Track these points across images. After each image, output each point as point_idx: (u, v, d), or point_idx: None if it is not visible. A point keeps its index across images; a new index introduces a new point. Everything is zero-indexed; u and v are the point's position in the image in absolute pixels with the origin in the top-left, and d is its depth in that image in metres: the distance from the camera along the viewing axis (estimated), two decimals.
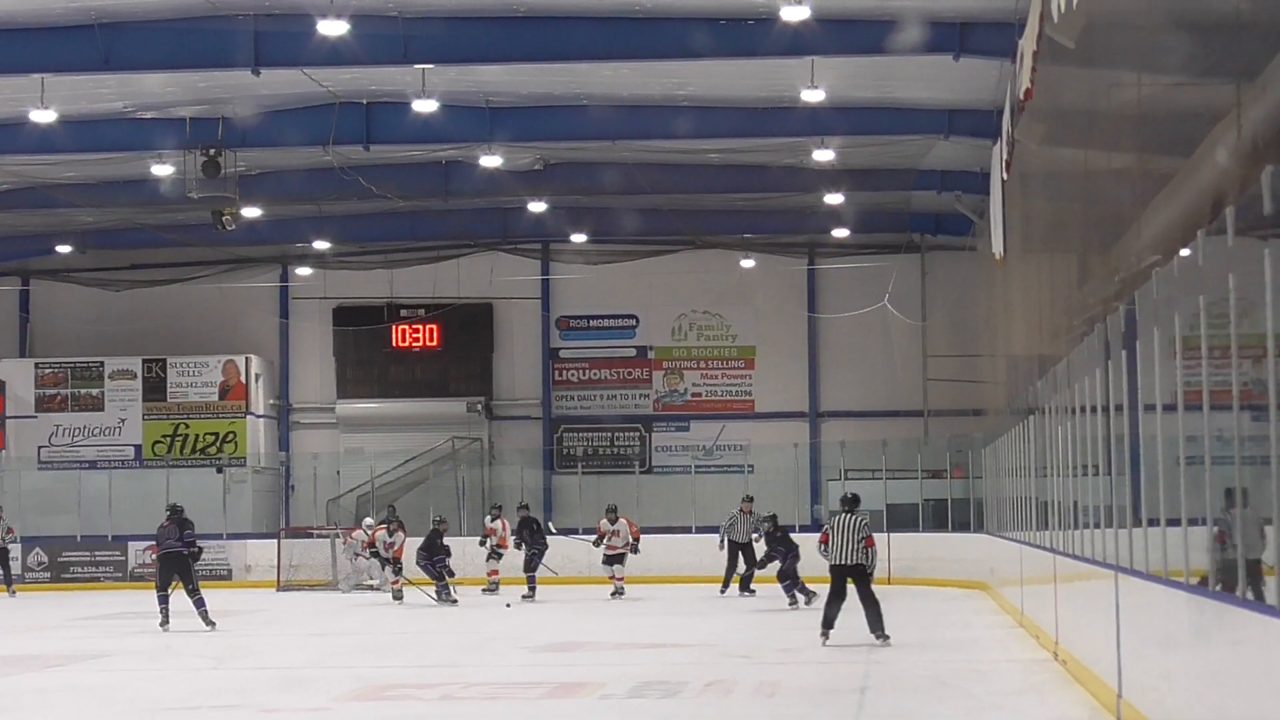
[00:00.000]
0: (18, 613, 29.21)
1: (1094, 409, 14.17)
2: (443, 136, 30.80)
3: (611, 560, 31.01)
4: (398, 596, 30.23)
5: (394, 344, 43.30)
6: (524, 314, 43.26)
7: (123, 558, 37.17)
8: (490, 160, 31.94)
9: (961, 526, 34.84)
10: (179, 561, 24.75)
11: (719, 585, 31.10)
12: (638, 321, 43.18)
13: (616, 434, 43.18)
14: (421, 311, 43.23)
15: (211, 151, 30.04)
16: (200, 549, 25.39)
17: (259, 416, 42.58)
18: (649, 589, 33.42)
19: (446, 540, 30.39)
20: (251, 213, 34.94)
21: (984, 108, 27.57)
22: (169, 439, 41.95)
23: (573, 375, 43.35)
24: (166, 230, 38.85)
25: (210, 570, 36.09)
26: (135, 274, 43.08)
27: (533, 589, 30.75)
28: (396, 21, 24.84)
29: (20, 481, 40.70)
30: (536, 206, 37.35)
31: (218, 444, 41.81)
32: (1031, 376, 21.45)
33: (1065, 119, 17.62)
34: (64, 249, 41.05)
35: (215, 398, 41.99)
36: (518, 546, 31.41)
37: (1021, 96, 20.48)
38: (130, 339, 42.62)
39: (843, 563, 19.84)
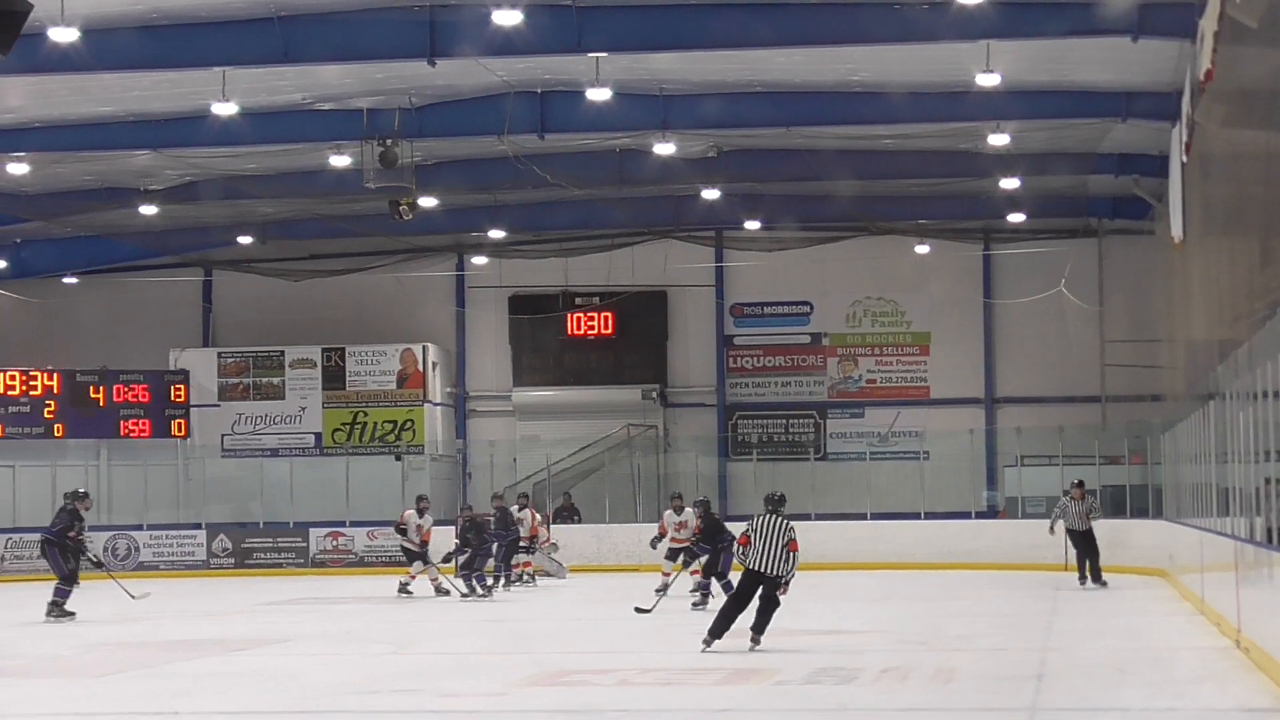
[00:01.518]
0: (203, 597, 29.72)
1: (1277, 394, 13.95)
2: (616, 125, 30.87)
3: (676, 554, 27.18)
4: (404, 590, 29.23)
5: (569, 332, 43.51)
6: (698, 301, 43.30)
7: (304, 544, 37.69)
8: (664, 148, 31.97)
9: (1140, 513, 34.46)
10: (45, 548, 25.87)
11: (894, 572, 30.88)
12: (812, 308, 43.06)
13: (791, 421, 43.11)
14: (596, 299, 43.42)
15: (388, 142, 30.34)
16: (71, 539, 25.54)
17: (436, 404, 42.98)
18: (824, 576, 33.35)
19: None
20: (428, 202, 35.25)
21: (1163, 89, 27.21)
22: (348, 427, 42.46)
23: (747, 362, 43.33)
24: (344, 220, 39.33)
25: (390, 556, 36.54)
26: (314, 264, 43.66)
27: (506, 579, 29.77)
28: (570, 10, 24.98)
29: (204, 469, 41.44)
30: (710, 194, 37.34)
31: (396, 432, 42.26)
32: (1212, 361, 21.16)
33: (1248, 100, 17.35)
34: (245, 239, 41.67)
35: (393, 386, 42.44)
36: (464, 547, 29.14)
37: (1202, 78, 20.19)
38: (310, 328, 43.20)
39: (761, 570, 18.35)
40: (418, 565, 29.57)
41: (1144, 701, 14.26)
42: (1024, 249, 41.20)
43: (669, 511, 27.86)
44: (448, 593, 28.98)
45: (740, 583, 18.71)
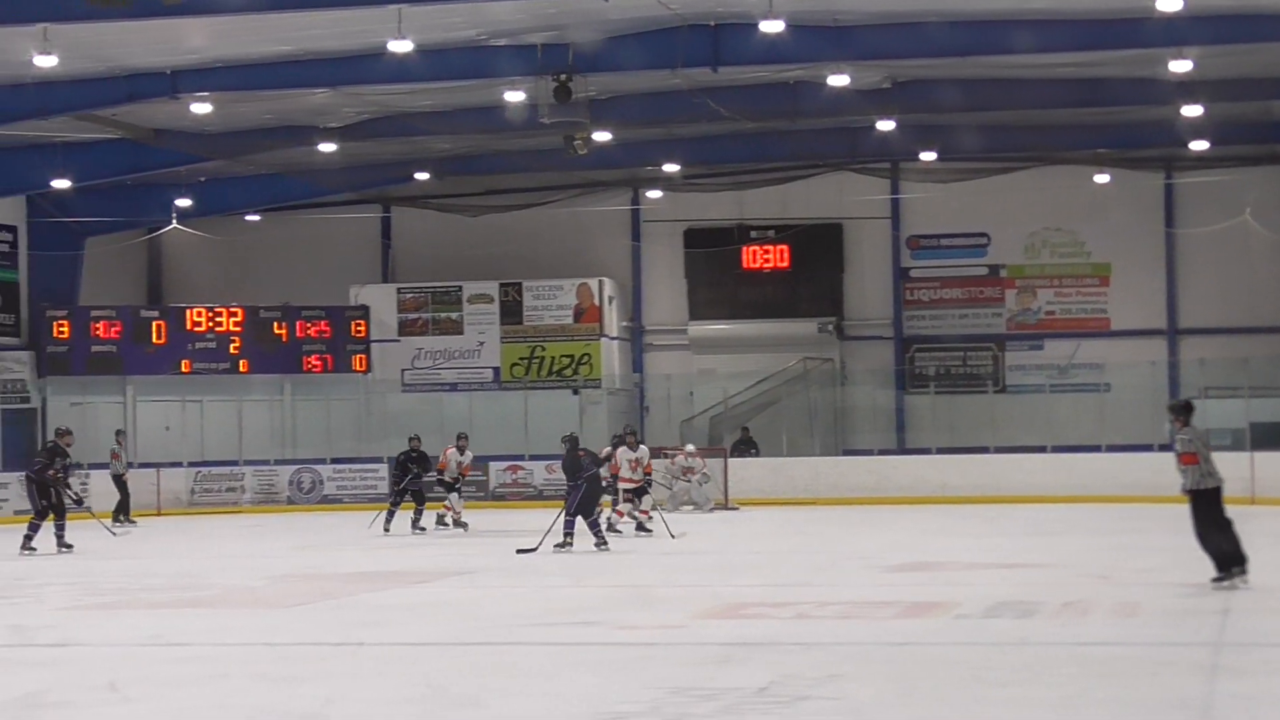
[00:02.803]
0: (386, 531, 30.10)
1: None
2: (790, 56, 30.63)
3: (633, 495, 28.06)
4: (459, 524, 30.33)
5: (744, 265, 43.45)
6: (873, 233, 43.04)
7: (484, 477, 38.01)
8: (838, 79, 31.69)
9: None
10: (27, 484, 27.06)
11: (1075, 505, 30.58)
12: (989, 239, 42.68)
13: (969, 353, 42.80)
14: (771, 232, 43.31)
15: (562, 77, 30.37)
16: (51, 476, 26.23)
17: (613, 338, 43.13)
18: (1003, 509, 33.20)
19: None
20: (602, 137, 35.28)
21: None
22: (526, 361, 42.72)
23: (923, 295, 43.04)
24: (519, 156, 39.52)
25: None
26: (490, 199, 43.90)
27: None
28: None
29: (385, 404, 41.94)
30: (885, 125, 36.95)
31: (573, 366, 42.45)
32: None
33: None
34: (422, 176, 41.97)
35: (570, 320, 42.62)
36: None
37: None
38: (486, 263, 43.48)
39: (1220, 484, 17.25)
40: (454, 498, 30.59)
41: None
42: (1207, 177, 40.49)
43: (623, 449, 28.07)
44: (465, 526, 30.11)
45: (1215, 506, 17.31)
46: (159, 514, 37.79)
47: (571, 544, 24.23)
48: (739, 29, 29.63)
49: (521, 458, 38.42)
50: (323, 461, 39.45)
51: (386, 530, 29.91)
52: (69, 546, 25.95)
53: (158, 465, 38.95)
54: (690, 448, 35.45)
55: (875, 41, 30.00)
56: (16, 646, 14.57)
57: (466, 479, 31.58)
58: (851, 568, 21.37)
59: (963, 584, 18.24)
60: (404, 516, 30.57)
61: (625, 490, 28.07)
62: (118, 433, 35.49)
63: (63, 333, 40.21)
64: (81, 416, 39.65)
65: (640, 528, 27.63)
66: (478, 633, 15.13)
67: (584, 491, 24.43)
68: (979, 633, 14.43)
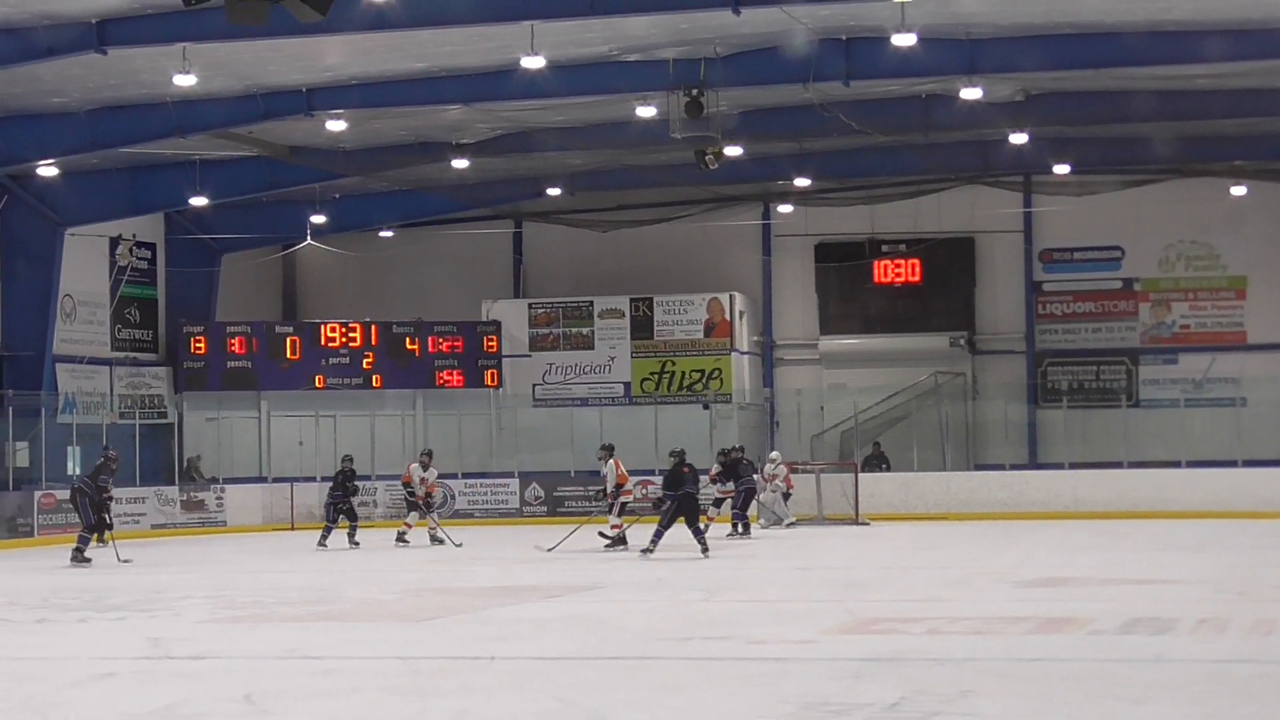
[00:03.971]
0: (517, 545, 30.24)
1: None
2: (922, 70, 30.53)
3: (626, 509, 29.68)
4: (402, 539, 31.18)
5: (875, 279, 43.33)
6: (1006, 247, 42.80)
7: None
8: (970, 92, 31.54)
9: None
10: (76, 497, 28.13)
11: (1210, 521, 30.24)
12: (1123, 253, 42.32)
13: (1102, 367, 42.43)
14: (903, 246, 43.16)
15: (694, 92, 30.43)
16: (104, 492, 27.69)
17: (743, 353, 43.12)
18: (1137, 524, 32.91)
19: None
20: (733, 151, 35.27)
21: None
22: (656, 376, 42.78)
23: (1056, 308, 42.73)
24: (651, 171, 39.61)
25: (700, 505, 36.79)
26: (621, 214, 44.04)
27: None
28: None
29: (516, 418, 42.13)
30: (1018, 138, 36.75)
31: (704, 380, 42.46)
32: None
33: None
34: (553, 191, 42.16)
35: (700, 335, 42.64)
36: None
37: None
38: (618, 278, 43.61)
39: None
40: (414, 515, 31.56)
41: None
42: None
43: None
44: (441, 542, 30.76)
45: None
46: (292, 528, 38.17)
47: (653, 551, 25.96)
48: (871, 43, 29.57)
49: (652, 472, 38.35)
50: (454, 476, 39.65)
51: (324, 546, 30.85)
52: (89, 560, 27.01)
53: (291, 480, 39.33)
54: (775, 454, 35.18)
55: (1008, 54, 29.84)
56: (155, 659, 14.76)
57: (433, 495, 32.24)
58: (984, 583, 21.24)
59: (1097, 599, 18.08)
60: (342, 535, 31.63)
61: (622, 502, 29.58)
62: (106, 450, 34.90)
63: (199, 348, 40.70)
64: (216, 431, 40.17)
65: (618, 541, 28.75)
66: (608, 647, 15.17)
67: (676, 506, 26.30)
68: (1113, 649, 14.30)
